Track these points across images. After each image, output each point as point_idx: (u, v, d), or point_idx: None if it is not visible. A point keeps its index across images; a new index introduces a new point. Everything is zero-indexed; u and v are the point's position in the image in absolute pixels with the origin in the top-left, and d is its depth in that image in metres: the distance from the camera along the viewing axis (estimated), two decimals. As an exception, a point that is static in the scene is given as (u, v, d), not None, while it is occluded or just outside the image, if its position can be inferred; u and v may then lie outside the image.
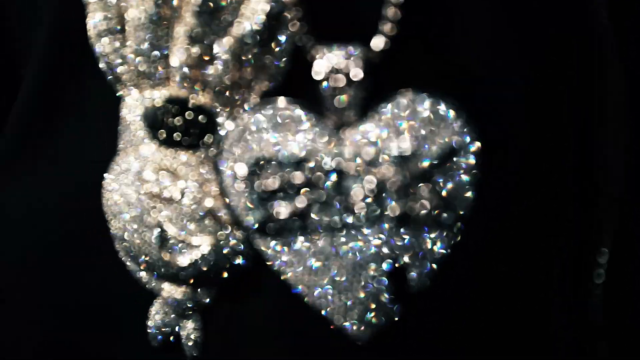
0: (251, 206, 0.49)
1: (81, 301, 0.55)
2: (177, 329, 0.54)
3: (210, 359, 0.54)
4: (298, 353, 0.52)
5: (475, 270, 0.51)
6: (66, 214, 0.54)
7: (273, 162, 0.49)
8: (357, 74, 0.48)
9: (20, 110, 0.55)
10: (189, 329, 0.54)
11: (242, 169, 0.49)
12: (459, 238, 0.49)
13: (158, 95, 0.51)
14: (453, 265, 0.50)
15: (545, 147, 0.50)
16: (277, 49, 0.50)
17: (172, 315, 0.54)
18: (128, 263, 0.53)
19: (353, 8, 0.49)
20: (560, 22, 0.50)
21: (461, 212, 0.49)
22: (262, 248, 0.50)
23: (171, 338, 0.54)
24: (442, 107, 0.48)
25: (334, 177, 0.49)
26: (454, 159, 0.48)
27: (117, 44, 0.51)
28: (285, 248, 0.50)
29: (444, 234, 0.49)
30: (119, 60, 0.51)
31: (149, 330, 0.54)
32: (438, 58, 0.49)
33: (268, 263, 0.50)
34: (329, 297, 0.50)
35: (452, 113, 0.48)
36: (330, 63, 0.48)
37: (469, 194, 0.49)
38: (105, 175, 0.52)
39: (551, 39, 0.50)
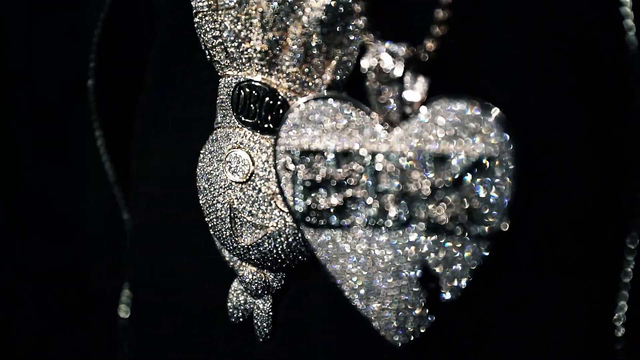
0: (296, 195, 0.50)
1: (170, 270, 0.59)
2: (253, 308, 0.56)
3: (276, 342, 0.55)
4: (339, 351, 0.53)
5: (509, 281, 0.49)
6: (175, 187, 0.59)
7: (318, 155, 0.49)
8: (397, 72, 0.47)
9: (147, 94, 0.60)
10: (259, 310, 0.56)
11: (289, 158, 0.50)
12: (491, 249, 0.47)
13: (242, 78, 0.53)
14: (484, 276, 0.48)
15: (584, 159, 0.48)
16: (345, 42, 0.51)
17: (247, 295, 0.56)
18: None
19: (411, 8, 0.49)
20: (596, 33, 0.47)
21: (494, 222, 0.46)
22: (307, 237, 0.51)
23: (246, 316, 0.56)
24: (482, 113, 0.46)
25: (373, 175, 0.48)
26: (490, 167, 0.46)
27: (211, 25, 0.53)
28: (326, 241, 0.50)
29: (476, 244, 0.47)
30: (212, 42, 0.53)
31: (228, 306, 0.57)
32: (483, 63, 0.48)
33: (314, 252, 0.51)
34: (366, 299, 0.50)
35: (492, 119, 0.46)
36: (375, 59, 0.48)
37: (502, 203, 0.46)
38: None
39: (587, 48, 0.47)
